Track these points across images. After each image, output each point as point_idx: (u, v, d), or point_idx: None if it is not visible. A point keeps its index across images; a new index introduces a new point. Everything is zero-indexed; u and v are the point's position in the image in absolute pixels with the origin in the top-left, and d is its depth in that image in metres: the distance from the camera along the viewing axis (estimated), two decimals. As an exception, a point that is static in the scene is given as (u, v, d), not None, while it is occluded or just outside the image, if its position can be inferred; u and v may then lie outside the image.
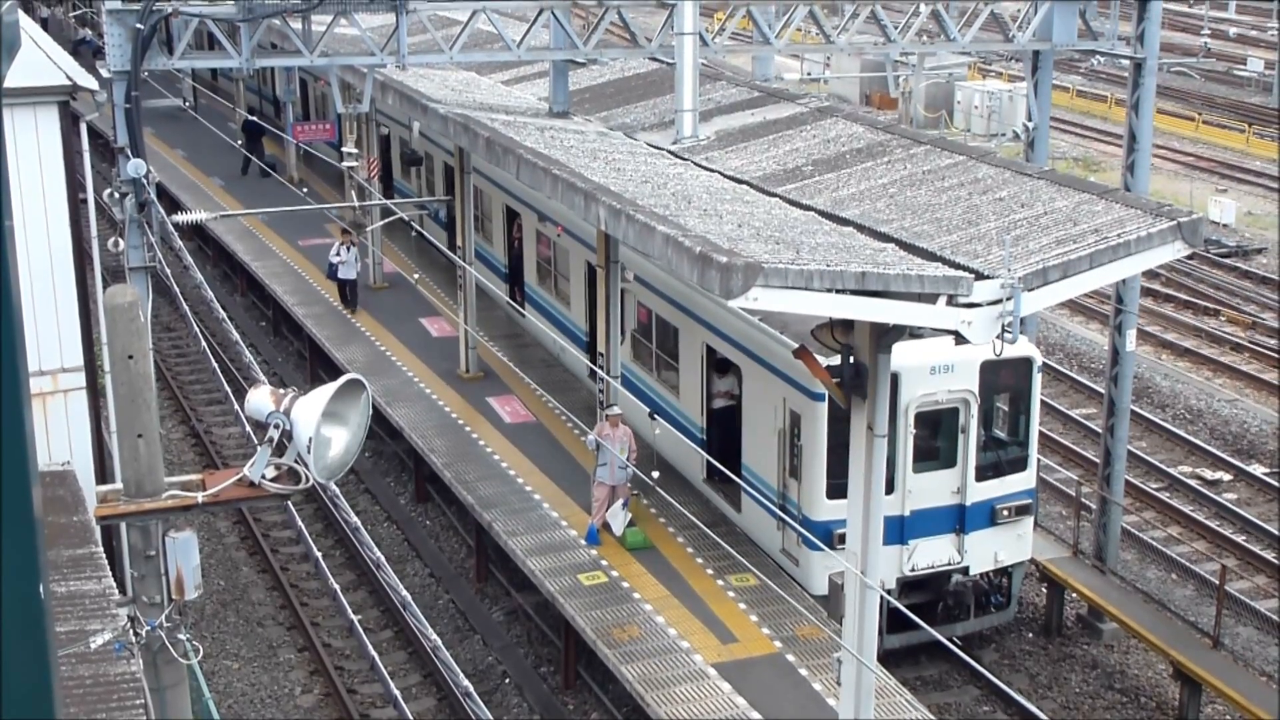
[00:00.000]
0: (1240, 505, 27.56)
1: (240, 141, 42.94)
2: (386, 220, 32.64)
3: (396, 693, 19.15)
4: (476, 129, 23.02)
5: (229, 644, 23.43)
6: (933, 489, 21.12)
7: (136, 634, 8.83)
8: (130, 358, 8.45)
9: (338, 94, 21.88)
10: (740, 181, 20.02)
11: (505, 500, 23.77)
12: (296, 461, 8.36)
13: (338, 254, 32.94)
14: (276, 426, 8.21)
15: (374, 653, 21.52)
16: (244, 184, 42.96)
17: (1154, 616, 22.15)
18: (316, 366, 32.62)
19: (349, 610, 17.69)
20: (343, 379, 8.17)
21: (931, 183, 18.65)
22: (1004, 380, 21.54)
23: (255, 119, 44.37)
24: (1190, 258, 36.31)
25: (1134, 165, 22.65)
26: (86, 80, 18.69)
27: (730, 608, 20.49)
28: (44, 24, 50.25)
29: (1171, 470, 28.84)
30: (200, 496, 8.49)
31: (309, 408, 8.07)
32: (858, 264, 14.46)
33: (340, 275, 32.97)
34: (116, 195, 20.01)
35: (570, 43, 21.85)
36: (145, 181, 19.50)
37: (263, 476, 8.42)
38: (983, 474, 21.40)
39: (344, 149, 34.80)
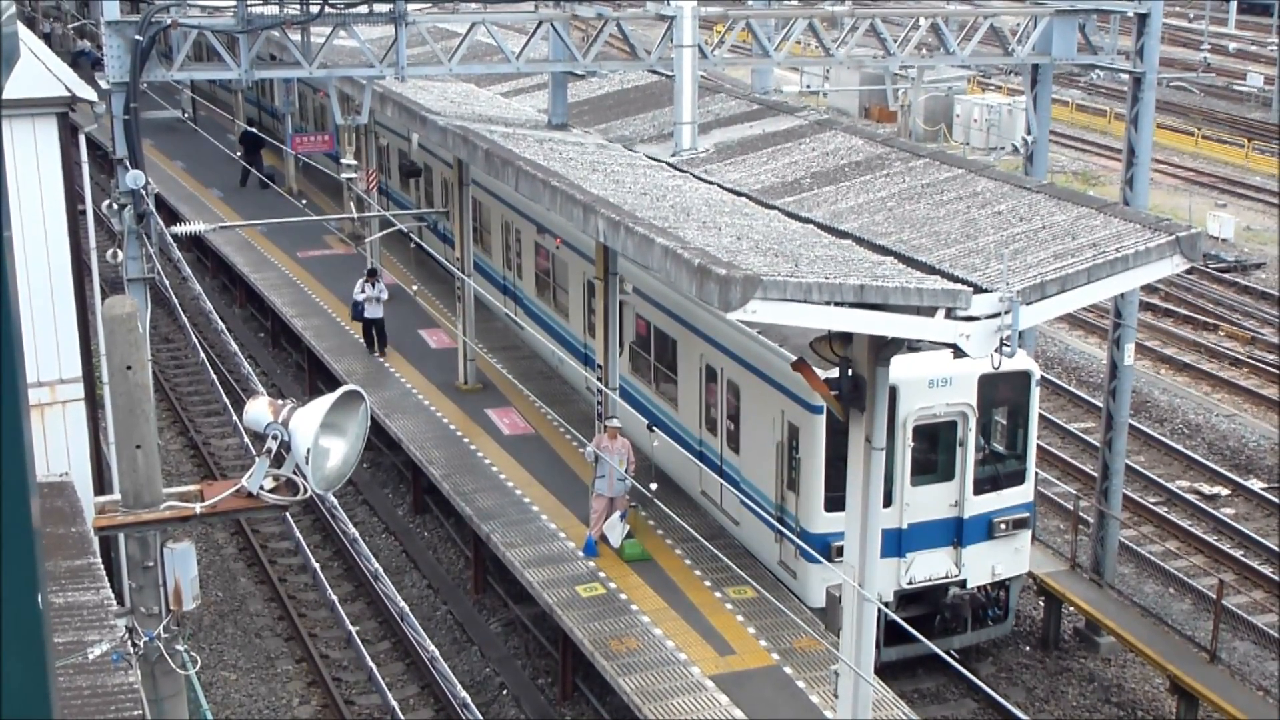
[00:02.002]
0: (1238, 520, 27.56)
1: (239, 153, 42.97)
2: (386, 232, 32.63)
3: (394, 704, 19.11)
4: (475, 141, 23.05)
5: (227, 655, 23.41)
6: (930, 502, 21.11)
7: (134, 645, 8.82)
8: (129, 369, 8.46)
9: (336, 106, 21.90)
10: (739, 194, 20.03)
11: (503, 512, 23.76)
12: (295, 473, 8.35)
13: (362, 291, 30.75)
14: (275, 438, 8.20)
15: (372, 664, 21.43)
16: (243, 195, 42.99)
17: (1151, 630, 22.13)
18: (315, 378, 32.62)
19: (347, 621, 17.63)
20: (341, 390, 8.17)
21: (930, 196, 18.66)
22: (1002, 394, 21.54)
23: (254, 130, 44.40)
24: (1189, 272, 36.36)
25: (1133, 180, 22.67)
26: (85, 92, 18.70)
27: (728, 620, 20.48)
28: (46, 39, 50.26)
29: (1169, 485, 28.82)
30: (198, 507, 8.49)
31: (307, 419, 8.07)
32: (856, 277, 14.47)
33: (366, 315, 30.78)
34: (115, 206, 20.02)
35: (569, 55, 21.89)
36: (144, 193, 19.52)
37: (261, 487, 8.41)
38: (980, 487, 21.39)
39: (343, 160, 34.81)
